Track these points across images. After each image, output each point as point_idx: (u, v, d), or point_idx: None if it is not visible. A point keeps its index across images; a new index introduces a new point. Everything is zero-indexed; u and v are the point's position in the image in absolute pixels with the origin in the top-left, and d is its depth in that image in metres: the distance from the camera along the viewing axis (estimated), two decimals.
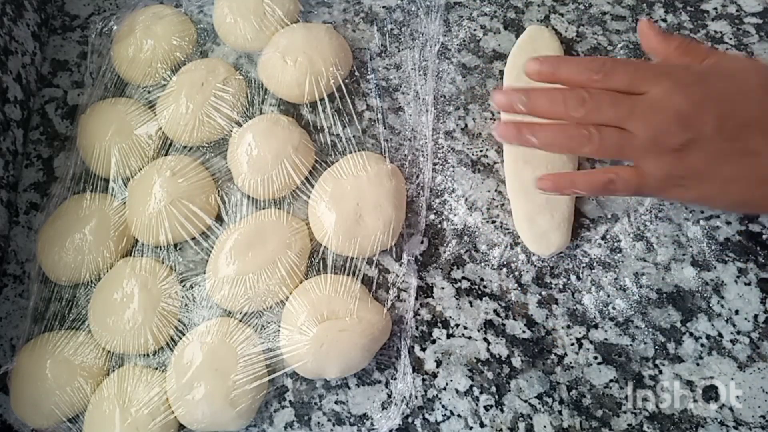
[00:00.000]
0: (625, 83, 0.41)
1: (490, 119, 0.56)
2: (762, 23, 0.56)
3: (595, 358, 0.48)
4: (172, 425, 0.49)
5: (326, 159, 0.56)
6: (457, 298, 0.51)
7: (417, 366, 0.49)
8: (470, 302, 0.51)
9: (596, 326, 0.49)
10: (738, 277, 0.49)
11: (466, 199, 0.54)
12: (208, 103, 0.57)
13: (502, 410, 0.48)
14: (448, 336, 0.50)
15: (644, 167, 0.41)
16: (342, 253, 0.52)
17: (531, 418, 0.47)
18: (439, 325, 0.50)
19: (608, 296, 0.50)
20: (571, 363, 0.48)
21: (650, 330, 0.48)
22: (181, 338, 0.51)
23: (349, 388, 0.49)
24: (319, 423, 0.49)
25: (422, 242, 0.53)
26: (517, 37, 0.57)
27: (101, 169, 0.58)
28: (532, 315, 0.50)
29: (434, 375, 0.49)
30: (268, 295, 0.51)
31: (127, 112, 0.59)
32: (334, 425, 0.48)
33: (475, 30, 0.59)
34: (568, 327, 0.49)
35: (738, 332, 0.47)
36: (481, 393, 0.48)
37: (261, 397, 0.49)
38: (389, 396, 0.49)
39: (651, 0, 0.58)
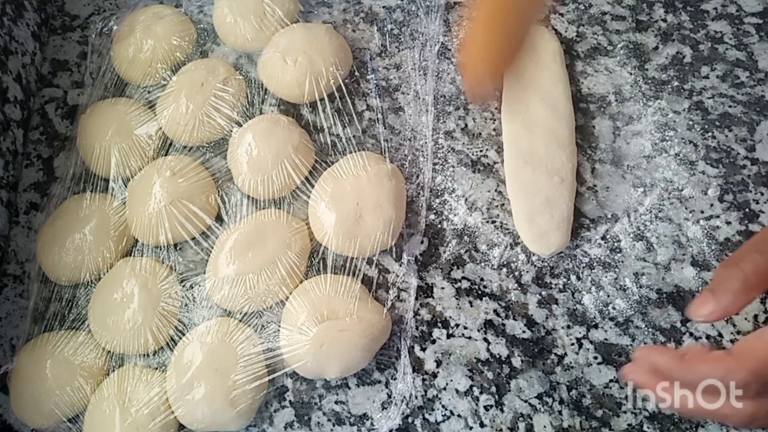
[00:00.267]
0: None
1: (490, 119, 0.56)
2: (762, 23, 0.56)
3: (595, 358, 0.48)
4: (172, 425, 0.49)
5: (326, 159, 0.56)
6: (457, 298, 0.51)
7: (417, 366, 0.49)
8: (470, 302, 0.51)
9: (596, 326, 0.49)
10: None
11: (466, 199, 0.54)
12: (208, 103, 0.57)
13: (502, 410, 0.48)
14: (448, 336, 0.50)
15: None
16: (342, 253, 0.52)
17: (531, 418, 0.47)
18: (439, 325, 0.50)
19: (608, 296, 0.50)
20: (571, 363, 0.48)
21: (650, 330, 0.48)
22: (181, 338, 0.51)
23: (349, 388, 0.49)
24: (319, 423, 0.49)
25: (422, 242, 0.53)
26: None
27: (101, 169, 0.58)
28: (532, 315, 0.50)
29: (434, 375, 0.49)
30: (268, 295, 0.51)
31: (127, 112, 0.59)
32: (334, 425, 0.48)
33: None
34: (568, 327, 0.49)
35: (738, 332, 0.47)
36: (481, 393, 0.48)
37: (261, 397, 0.49)
38: (389, 396, 0.49)
39: (651, 0, 0.58)
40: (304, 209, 0.54)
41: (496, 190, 0.54)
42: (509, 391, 0.48)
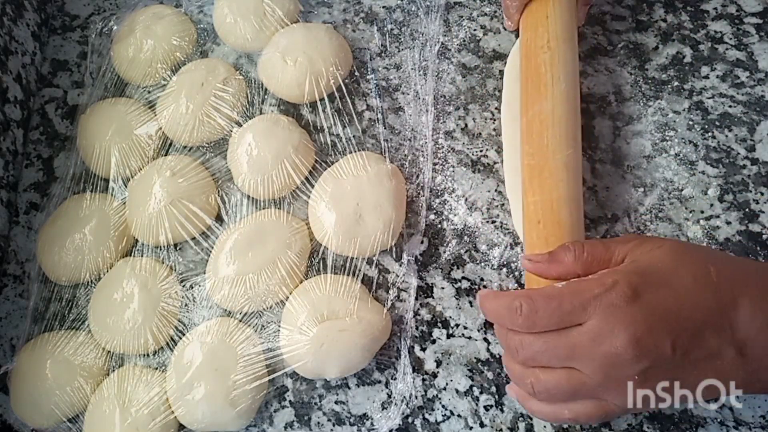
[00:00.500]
0: (554, 322, 0.37)
1: (490, 119, 0.56)
2: (762, 23, 0.56)
3: None
4: (172, 425, 0.49)
5: (326, 159, 0.56)
6: (457, 298, 0.51)
7: (417, 366, 0.49)
8: (470, 302, 0.51)
9: None
10: None
11: (466, 199, 0.54)
12: (208, 103, 0.57)
13: (502, 410, 0.47)
14: (448, 336, 0.50)
15: (607, 400, 0.38)
16: (342, 253, 0.52)
17: (531, 418, 0.47)
18: (439, 325, 0.50)
19: None
20: None
21: None
22: (181, 338, 0.51)
23: (349, 388, 0.49)
24: (319, 423, 0.49)
25: (422, 242, 0.53)
26: (517, 37, 0.57)
27: (101, 169, 0.58)
28: None
29: (434, 375, 0.49)
30: (268, 295, 0.51)
31: (127, 112, 0.59)
32: (334, 425, 0.48)
33: (475, 30, 0.59)
34: None
35: None
36: (481, 393, 0.48)
37: (261, 397, 0.49)
38: (389, 396, 0.49)
39: (651, 0, 0.58)
40: (304, 209, 0.54)
41: (496, 190, 0.54)
42: None
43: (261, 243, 0.51)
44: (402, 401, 0.48)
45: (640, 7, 0.58)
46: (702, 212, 0.51)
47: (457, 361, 0.49)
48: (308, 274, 0.52)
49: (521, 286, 0.50)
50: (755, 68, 0.55)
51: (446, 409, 0.48)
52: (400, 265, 0.52)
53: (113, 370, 0.51)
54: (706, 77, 0.55)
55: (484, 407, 0.48)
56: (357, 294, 0.50)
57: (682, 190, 0.52)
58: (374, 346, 0.48)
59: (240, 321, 0.51)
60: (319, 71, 0.56)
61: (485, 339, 0.49)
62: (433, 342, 0.50)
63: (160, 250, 0.54)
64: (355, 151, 0.55)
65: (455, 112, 0.57)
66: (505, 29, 0.59)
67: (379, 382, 0.49)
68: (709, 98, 0.55)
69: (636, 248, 0.39)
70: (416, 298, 0.51)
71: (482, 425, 0.47)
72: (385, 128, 0.56)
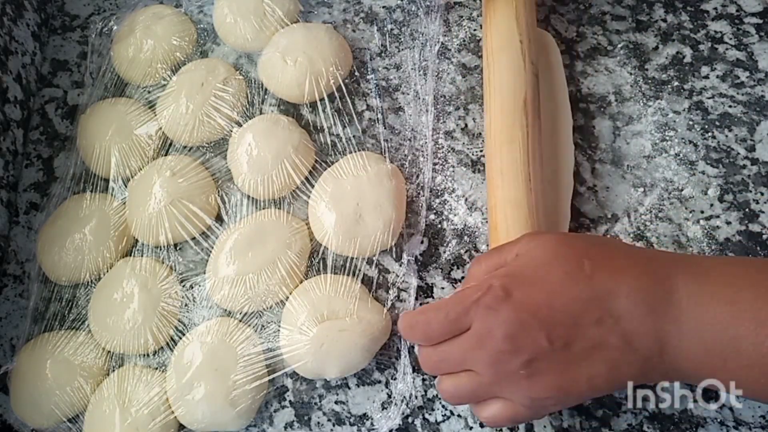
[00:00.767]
0: (446, 331, 0.40)
1: None
2: (762, 23, 0.56)
3: None
4: (172, 425, 0.49)
5: (326, 159, 0.56)
6: None
7: (417, 366, 0.49)
8: None
9: None
10: None
11: (466, 199, 0.54)
12: (208, 103, 0.57)
13: None
14: None
15: (510, 399, 0.39)
16: (342, 253, 0.52)
17: None
18: None
19: None
20: None
21: None
22: (181, 338, 0.51)
23: (349, 388, 0.49)
24: (319, 423, 0.49)
25: (422, 242, 0.53)
26: None
27: (101, 169, 0.58)
28: None
29: (434, 375, 0.49)
30: (268, 295, 0.51)
31: (127, 112, 0.59)
32: (334, 425, 0.48)
33: (475, 30, 0.59)
34: None
35: None
36: None
37: (261, 397, 0.49)
38: (389, 396, 0.49)
39: (651, 0, 0.58)
40: (304, 209, 0.54)
41: None
42: None
43: (261, 243, 0.51)
44: (402, 401, 0.48)
45: (640, 7, 0.58)
46: (702, 212, 0.51)
47: None
48: (308, 274, 0.52)
49: None
50: (755, 68, 0.55)
51: (446, 409, 0.48)
52: (400, 265, 0.52)
53: (113, 370, 0.51)
54: (706, 77, 0.55)
55: None
56: (357, 294, 0.50)
57: (682, 190, 0.52)
58: (374, 346, 0.48)
59: (240, 321, 0.51)
60: (319, 71, 0.56)
61: None
62: None
63: (160, 250, 0.54)
64: (355, 151, 0.55)
65: (455, 112, 0.57)
66: None
67: (379, 382, 0.49)
68: (709, 98, 0.55)
69: (522, 247, 0.41)
70: (416, 298, 0.51)
71: (482, 425, 0.47)
72: (385, 128, 0.56)
